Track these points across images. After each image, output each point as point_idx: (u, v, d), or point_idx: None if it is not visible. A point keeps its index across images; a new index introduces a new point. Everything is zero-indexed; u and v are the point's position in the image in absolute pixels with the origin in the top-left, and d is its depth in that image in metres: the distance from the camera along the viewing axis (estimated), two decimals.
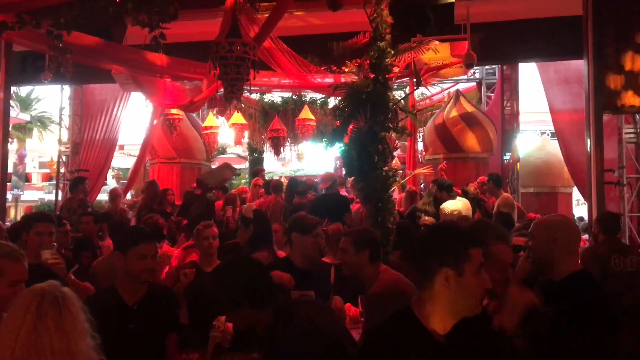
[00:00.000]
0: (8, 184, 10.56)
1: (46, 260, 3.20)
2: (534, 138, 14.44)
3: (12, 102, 10.82)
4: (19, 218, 16.88)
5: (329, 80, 7.13)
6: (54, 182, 13.09)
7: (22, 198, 23.89)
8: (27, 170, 26.24)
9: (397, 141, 9.77)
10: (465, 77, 11.23)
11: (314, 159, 17.37)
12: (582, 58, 6.69)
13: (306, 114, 10.17)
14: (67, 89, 11.16)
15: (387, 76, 4.87)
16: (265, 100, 11.86)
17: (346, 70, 5.12)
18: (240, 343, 2.66)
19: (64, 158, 11.15)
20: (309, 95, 11.05)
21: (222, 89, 4.98)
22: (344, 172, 6.88)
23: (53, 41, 5.41)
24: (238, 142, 11.10)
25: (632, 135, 7.54)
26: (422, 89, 9.68)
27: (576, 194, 10.74)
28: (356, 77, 4.96)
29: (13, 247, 2.29)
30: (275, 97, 11.80)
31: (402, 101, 5.97)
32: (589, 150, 6.54)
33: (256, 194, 8.39)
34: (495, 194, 7.21)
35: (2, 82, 7.94)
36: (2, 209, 8.48)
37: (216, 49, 4.78)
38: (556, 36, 7.88)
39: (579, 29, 6.67)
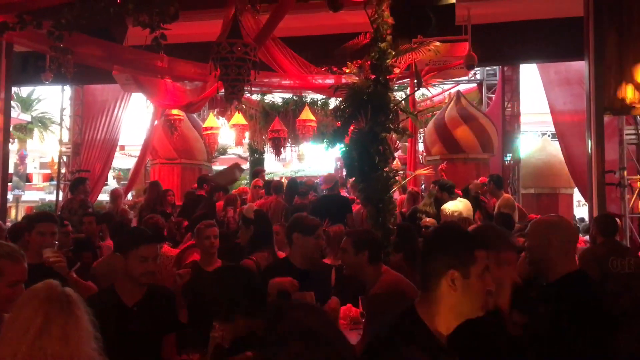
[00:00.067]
0: (9, 184, 10.56)
1: (47, 259, 3.20)
2: (535, 139, 14.44)
3: (13, 103, 10.81)
4: (19, 218, 16.88)
5: (330, 81, 7.13)
6: (54, 182, 13.09)
7: (23, 198, 23.89)
8: (27, 171, 26.23)
9: (397, 142, 9.80)
10: (466, 78, 11.22)
11: (315, 159, 17.36)
12: (583, 59, 6.68)
13: (307, 114, 10.18)
14: (68, 89, 11.17)
15: (387, 77, 4.86)
16: (266, 101, 11.86)
17: (347, 71, 5.12)
18: (240, 344, 2.66)
19: (64, 158, 11.16)
20: (310, 96, 11.05)
21: (223, 90, 4.98)
22: (344, 173, 6.88)
23: (54, 42, 5.41)
24: (239, 143, 11.11)
25: (633, 137, 7.54)
26: (422, 90, 9.67)
27: (577, 195, 10.73)
28: (357, 78, 4.96)
29: (13, 247, 2.29)
30: (276, 97, 11.81)
31: (403, 102, 5.97)
32: (589, 151, 6.53)
33: (256, 195, 8.39)
34: (496, 194, 7.21)
35: (3, 83, 7.95)
36: (3, 209, 8.48)
37: (217, 49, 4.79)
38: (557, 37, 7.88)
39: (580, 30, 6.67)
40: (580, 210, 13.84)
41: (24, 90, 27.05)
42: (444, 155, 9.74)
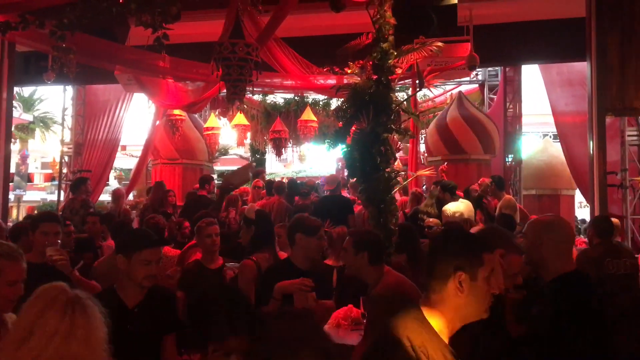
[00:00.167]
0: (10, 184, 10.57)
1: (50, 257, 3.21)
2: (537, 140, 14.43)
3: (15, 103, 10.84)
4: (21, 218, 16.90)
5: (332, 81, 7.13)
6: (56, 182, 13.11)
7: (25, 198, 23.93)
8: (29, 171, 26.27)
9: (399, 143, 9.80)
10: (467, 78, 11.22)
11: (316, 160, 17.35)
12: (585, 60, 6.68)
13: (308, 115, 10.18)
14: (69, 89, 11.19)
15: (389, 77, 4.86)
16: (268, 101, 11.87)
17: (349, 71, 5.12)
18: None
19: (66, 158, 11.17)
20: (312, 96, 11.05)
21: (225, 90, 4.98)
22: (346, 174, 6.88)
23: (56, 41, 5.42)
24: (240, 143, 11.11)
25: (634, 138, 7.54)
26: (424, 91, 9.67)
27: (578, 197, 10.72)
28: (359, 79, 4.96)
29: (12, 246, 2.30)
30: (278, 98, 11.82)
31: (405, 102, 5.96)
32: (591, 152, 6.52)
33: (257, 195, 8.39)
34: (498, 196, 7.20)
35: (5, 82, 7.96)
36: (5, 209, 8.49)
37: (219, 49, 4.79)
38: (559, 38, 7.87)
39: (582, 31, 6.66)
40: (582, 211, 13.84)
41: (26, 90, 27.09)
42: (445, 156, 9.73)
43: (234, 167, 18.57)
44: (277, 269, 3.37)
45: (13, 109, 9.10)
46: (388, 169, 4.81)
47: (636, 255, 5.30)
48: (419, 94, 10.16)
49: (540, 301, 2.34)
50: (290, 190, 7.97)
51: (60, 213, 7.80)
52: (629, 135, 7.45)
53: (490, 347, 2.21)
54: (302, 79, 7.62)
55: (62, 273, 3.23)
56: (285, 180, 9.51)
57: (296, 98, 11.43)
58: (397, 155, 8.25)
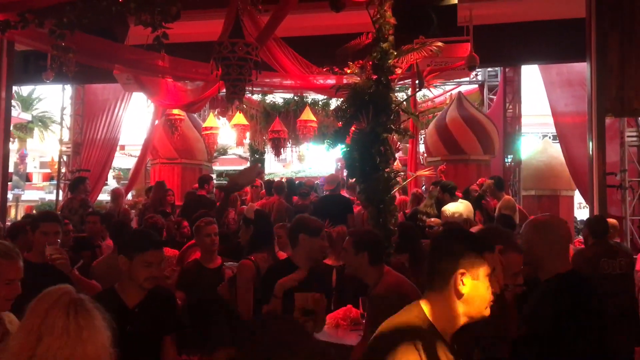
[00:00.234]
0: (9, 183, 10.55)
1: (50, 256, 3.21)
2: (536, 141, 14.43)
3: (13, 102, 10.81)
4: (19, 218, 16.88)
5: (331, 81, 7.12)
6: (54, 182, 13.09)
7: (23, 198, 23.90)
8: (28, 170, 26.25)
9: (398, 143, 9.80)
10: (467, 79, 11.22)
11: (315, 160, 17.36)
12: (585, 60, 6.68)
13: (308, 115, 10.18)
14: (68, 88, 11.17)
15: (389, 77, 4.85)
16: (267, 101, 11.86)
17: (348, 71, 5.11)
18: None
19: (65, 158, 11.15)
20: (311, 96, 11.05)
21: (224, 90, 4.97)
22: (345, 174, 6.87)
23: (56, 40, 5.41)
24: (240, 143, 11.11)
25: (634, 139, 7.54)
26: (424, 91, 9.67)
27: (578, 197, 10.72)
28: (358, 79, 4.95)
29: (8, 245, 2.30)
30: (277, 98, 11.81)
31: (405, 103, 5.96)
32: (591, 153, 6.52)
33: (256, 195, 8.39)
34: (497, 196, 7.19)
35: (4, 81, 7.95)
36: (3, 209, 8.48)
37: (219, 49, 4.78)
38: (559, 38, 7.87)
39: (582, 32, 6.66)
40: (582, 212, 13.84)
41: (25, 89, 27.04)
42: (444, 156, 9.73)
43: (233, 167, 18.65)
44: (278, 268, 3.36)
45: (12, 108, 9.09)
46: (387, 169, 4.80)
47: (634, 256, 5.32)
48: (419, 94, 10.16)
49: (538, 301, 2.34)
50: (287, 189, 7.97)
51: (59, 212, 7.79)
52: (628, 136, 7.45)
53: (491, 347, 2.21)
54: (301, 79, 7.61)
55: (62, 272, 3.22)
56: (283, 180, 9.51)
57: (295, 98, 11.42)
58: (397, 155, 8.24)
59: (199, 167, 11.14)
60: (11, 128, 9.55)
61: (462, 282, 1.70)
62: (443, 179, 7.50)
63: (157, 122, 10.61)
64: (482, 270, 1.72)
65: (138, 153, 11.64)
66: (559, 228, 2.50)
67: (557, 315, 2.22)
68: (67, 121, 11.29)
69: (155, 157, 11.13)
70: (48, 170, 25.28)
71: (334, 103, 10.28)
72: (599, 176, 6.41)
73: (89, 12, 5.11)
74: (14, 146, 23.27)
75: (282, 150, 10.97)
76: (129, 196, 11.03)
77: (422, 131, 10.88)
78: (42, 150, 28.55)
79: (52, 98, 24.77)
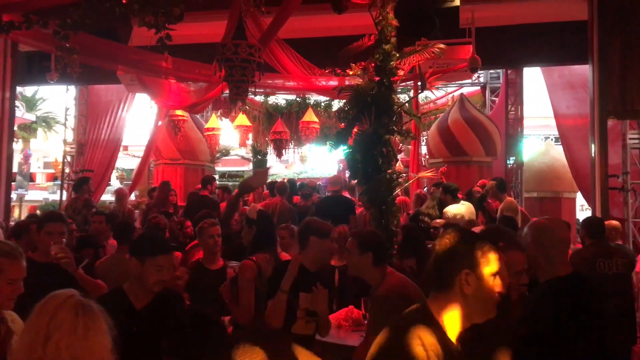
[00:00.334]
0: (13, 183, 10.60)
1: (55, 255, 3.22)
2: (538, 143, 14.43)
3: (17, 102, 10.86)
4: (23, 218, 16.93)
5: (334, 82, 7.15)
6: (58, 182, 13.14)
7: (27, 198, 23.94)
8: (31, 170, 26.31)
9: (401, 144, 9.81)
10: (469, 81, 11.22)
11: (318, 161, 17.36)
12: (587, 63, 6.69)
13: (310, 116, 10.20)
14: (72, 89, 11.21)
15: (392, 79, 4.87)
16: (269, 102, 11.88)
17: (351, 73, 5.13)
18: None
19: (68, 158, 11.20)
20: (313, 97, 11.06)
21: (227, 91, 4.99)
22: (347, 175, 6.89)
23: (60, 41, 5.43)
24: (243, 144, 11.13)
25: (636, 141, 7.53)
26: (426, 93, 9.69)
27: (580, 199, 10.71)
28: (361, 80, 4.97)
29: (11, 245, 2.32)
30: (280, 99, 11.83)
31: (407, 104, 5.98)
32: (593, 155, 6.53)
33: (258, 196, 8.41)
34: (499, 198, 7.19)
35: (8, 82, 8.00)
36: (7, 209, 8.52)
37: (222, 50, 4.79)
38: (561, 41, 7.88)
39: (584, 34, 6.67)
40: (584, 214, 13.79)
41: (28, 90, 27.08)
42: (446, 158, 9.74)
43: (236, 168, 18.68)
44: (280, 270, 3.37)
45: (15, 108, 9.13)
46: (389, 171, 4.82)
47: (635, 257, 5.32)
48: (421, 96, 10.17)
49: (538, 301, 2.35)
50: (288, 190, 7.98)
51: (63, 212, 7.82)
52: (630, 138, 7.45)
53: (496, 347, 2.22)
54: (304, 80, 7.63)
55: (67, 272, 3.23)
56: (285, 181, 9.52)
57: (298, 99, 11.44)
58: (399, 157, 8.26)
59: (201, 167, 11.17)
60: (15, 128, 9.59)
61: (468, 282, 1.71)
62: (444, 180, 7.51)
63: (160, 122, 10.63)
64: (488, 271, 1.73)
65: (141, 154, 11.67)
66: (556, 230, 2.49)
67: (557, 316, 2.23)
68: (71, 122, 11.33)
69: (158, 158, 11.17)
70: (52, 171, 25.32)
71: (337, 104, 10.29)
72: (601, 178, 6.42)
73: (92, 13, 5.14)
74: (17, 146, 23.32)
75: (284, 151, 10.99)
76: (132, 196, 11.06)
77: (424, 133, 10.89)
78: (46, 151, 28.58)
79: (56, 99, 24.83)
